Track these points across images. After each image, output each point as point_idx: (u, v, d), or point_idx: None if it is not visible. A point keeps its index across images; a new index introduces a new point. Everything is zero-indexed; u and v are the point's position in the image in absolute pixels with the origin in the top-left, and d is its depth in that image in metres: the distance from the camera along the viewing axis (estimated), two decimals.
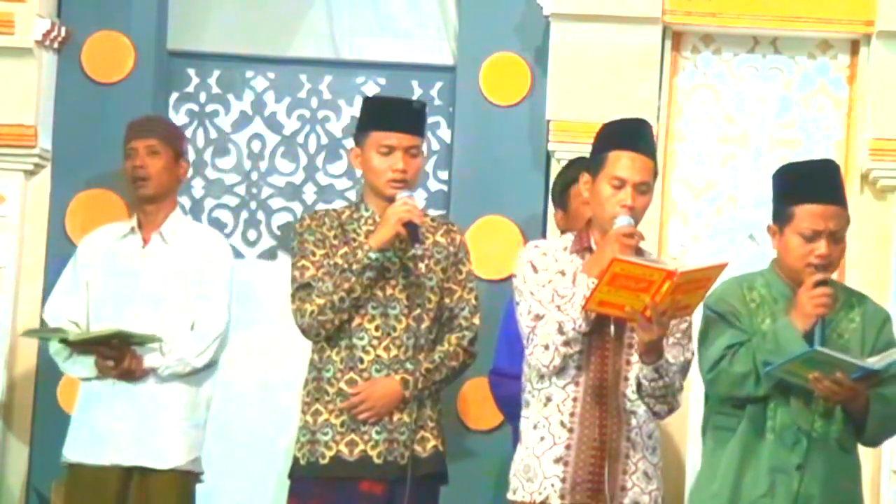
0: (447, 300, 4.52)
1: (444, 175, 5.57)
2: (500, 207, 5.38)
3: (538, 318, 4.04)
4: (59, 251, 5.40)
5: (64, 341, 4.77)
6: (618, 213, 4.02)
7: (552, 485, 4.03)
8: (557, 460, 4.04)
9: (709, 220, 5.38)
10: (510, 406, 4.48)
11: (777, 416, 3.99)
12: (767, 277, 4.09)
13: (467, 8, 5.49)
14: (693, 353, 4.12)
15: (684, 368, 4.10)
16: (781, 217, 4.04)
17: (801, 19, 5.27)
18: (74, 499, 4.84)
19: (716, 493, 4.03)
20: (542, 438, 4.06)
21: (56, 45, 5.45)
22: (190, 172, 5.16)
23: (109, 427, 4.76)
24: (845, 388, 3.88)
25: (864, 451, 4.16)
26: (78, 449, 4.82)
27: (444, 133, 5.59)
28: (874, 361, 3.91)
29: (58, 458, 4.92)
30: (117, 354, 4.71)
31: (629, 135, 4.09)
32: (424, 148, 4.62)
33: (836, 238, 4.00)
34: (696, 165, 5.40)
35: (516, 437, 4.22)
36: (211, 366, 4.85)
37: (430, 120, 5.46)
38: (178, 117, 5.62)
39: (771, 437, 3.99)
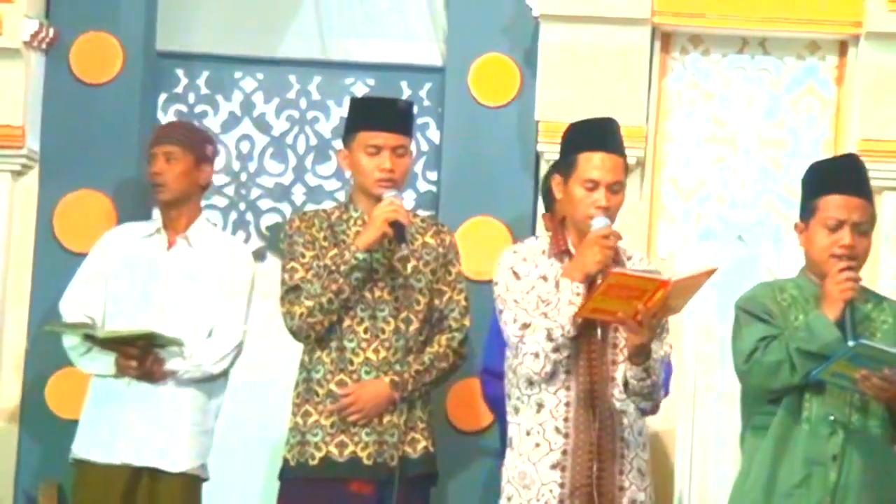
0: (437, 301, 4.52)
1: (433, 176, 5.57)
2: (490, 208, 5.38)
3: (525, 326, 4.04)
4: (47, 252, 5.39)
5: (90, 338, 4.74)
6: (593, 215, 4.04)
7: (550, 491, 4.03)
8: (554, 466, 4.04)
9: (697, 221, 5.39)
10: (502, 406, 4.48)
11: (812, 408, 4.00)
12: (798, 281, 4.13)
13: (456, 9, 5.48)
14: (671, 347, 4.16)
15: (663, 361, 4.12)
16: (806, 212, 4.08)
17: (790, 20, 5.28)
18: (82, 496, 4.82)
19: (751, 486, 4.03)
20: (538, 445, 4.06)
21: (44, 45, 5.44)
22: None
23: (122, 426, 4.74)
24: (894, 385, 3.87)
25: None
26: (89, 446, 4.79)
27: (434, 134, 5.59)
28: None
29: (46, 460, 4.91)
30: (141, 355, 4.69)
31: (598, 135, 4.12)
32: (412, 147, 4.62)
33: (860, 230, 4.04)
34: (685, 166, 5.41)
35: (505, 438, 4.21)
36: (224, 375, 4.84)
37: (419, 121, 5.47)
38: (166, 118, 5.62)
39: (806, 428, 3.99)
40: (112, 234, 4.99)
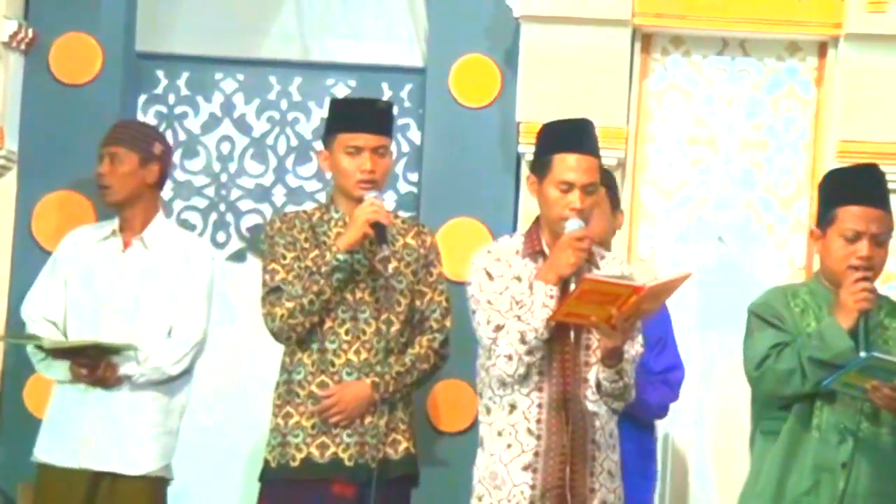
0: (418, 302, 4.52)
1: (413, 177, 5.57)
2: (470, 209, 5.39)
3: (499, 328, 4.04)
4: (26, 254, 5.39)
5: (39, 348, 4.73)
6: (567, 217, 4.04)
7: (521, 492, 4.03)
8: (526, 467, 4.04)
9: (677, 222, 5.40)
10: None
11: (822, 415, 4.01)
12: (811, 286, 4.15)
13: (437, 10, 5.49)
14: (642, 347, 4.15)
15: (635, 360, 4.12)
16: (824, 220, 4.08)
17: (770, 21, 5.29)
18: (43, 499, 4.81)
19: (760, 492, 4.05)
20: (509, 446, 4.06)
21: (23, 46, 5.43)
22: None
23: (82, 430, 4.74)
24: None
25: None
26: (49, 450, 4.79)
27: (415, 135, 5.58)
28: None
29: (24, 460, 4.89)
30: (91, 363, 4.68)
31: (573, 136, 4.11)
32: (393, 148, 4.61)
33: (878, 241, 4.05)
34: (666, 167, 5.42)
35: None
36: (186, 373, 4.82)
37: (400, 122, 5.47)
38: (146, 119, 5.60)
39: (816, 436, 4.01)
40: (69, 238, 4.95)
